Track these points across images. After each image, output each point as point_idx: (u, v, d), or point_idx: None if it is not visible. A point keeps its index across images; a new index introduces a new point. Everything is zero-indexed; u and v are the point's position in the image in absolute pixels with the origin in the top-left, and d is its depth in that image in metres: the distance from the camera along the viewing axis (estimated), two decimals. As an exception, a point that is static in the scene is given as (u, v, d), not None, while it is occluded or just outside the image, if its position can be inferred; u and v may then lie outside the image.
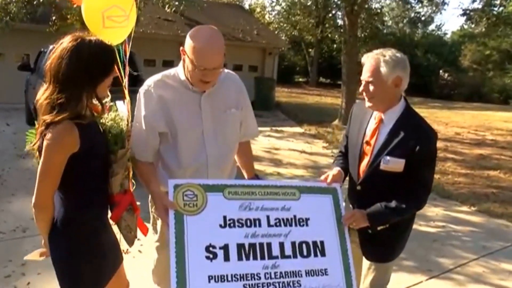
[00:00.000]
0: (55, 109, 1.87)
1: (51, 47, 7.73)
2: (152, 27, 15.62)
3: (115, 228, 2.27)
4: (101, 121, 2.15)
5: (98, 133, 2.08)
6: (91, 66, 1.90)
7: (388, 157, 2.25)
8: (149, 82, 2.27)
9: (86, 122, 1.92)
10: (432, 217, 5.69)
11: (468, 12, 17.05)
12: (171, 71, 2.31)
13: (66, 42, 1.93)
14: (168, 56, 15.64)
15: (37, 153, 1.97)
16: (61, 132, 1.85)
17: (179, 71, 2.27)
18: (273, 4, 34.59)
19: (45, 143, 1.86)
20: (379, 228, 2.31)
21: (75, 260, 2.03)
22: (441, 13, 51.81)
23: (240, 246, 2.06)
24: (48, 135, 1.85)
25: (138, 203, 2.32)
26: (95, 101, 2.11)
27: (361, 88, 2.33)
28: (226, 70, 2.40)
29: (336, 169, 2.46)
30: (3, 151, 7.71)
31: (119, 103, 2.34)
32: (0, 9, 9.34)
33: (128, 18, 2.34)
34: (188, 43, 2.11)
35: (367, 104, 2.35)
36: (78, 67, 1.88)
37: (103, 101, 2.12)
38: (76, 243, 2.03)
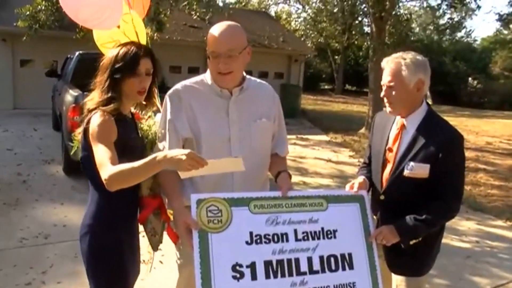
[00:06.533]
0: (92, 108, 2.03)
1: (77, 53, 7.90)
2: (178, 34, 15.74)
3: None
4: (140, 126, 2.30)
5: (135, 133, 2.20)
6: (114, 63, 2.03)
7: (411, 163, 2.18)
8: (177, 86, 2.26)
9: (120, 118, 2.02)
10: (464, 231, 5.44)
11: (504, 16, 16.60)
12: (199, 77, 2.29)
13: None
14: (194, 63, 15.74)
15: (80, 160, 2.07)
16: (98, 119, 1.93)
17: (207, 76, 2.25)
18: (299, 11, 34.62)
19: (90, 133, 1.94)
20: (412, 243, 2.20)
21: (99, 258, 2.07)
22: (471, 18, 50.81)
23: (267, 264, 1.99)
24: (91, 128, 1.94)
25: (170, 211, 2.28)
26: (137, 110, 2.31)
27: (382, 93, 2.26)
28: (258, 80, 2.37)
29: (361, 177, 2.39)
30: (29, 156, 7.79)
31: (158, 114, 2.42)
32: (29, 17, 9.51)
33: (118, 41, 2.56)
34: None
35: (388, 109, 2.28)
36: (104, 66, 2.06)
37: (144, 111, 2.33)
38: (101, 243, 2.05)
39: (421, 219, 2.14)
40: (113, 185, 1.83)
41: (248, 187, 2.18)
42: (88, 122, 1.97)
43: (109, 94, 2.00)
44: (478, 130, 15.19)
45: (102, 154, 1.88)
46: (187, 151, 1.74)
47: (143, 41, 2.65)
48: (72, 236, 4.43)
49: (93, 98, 2.05)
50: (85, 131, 1.98)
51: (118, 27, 2.61)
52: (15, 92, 14.01)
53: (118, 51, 2.04)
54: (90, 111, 2.01)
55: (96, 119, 1.94)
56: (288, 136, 2.56)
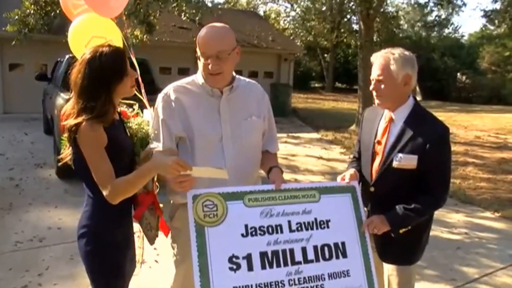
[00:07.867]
0: (78, 115, 1.98)
1: (67, 56, 7.86)
2: (167, 35, 15.72)
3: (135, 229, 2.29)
4: (128, 124, 2.30)
5: (124, 134, 2.20)
6: (103, 73, 1.99)
7: (400, 154, 2.25)
8: (169, 87, 2.30)
9: (108, 123, 2.00)
10: (454, 223, 5.53)
11: (489, 13, 16.77)
12: (190, 77, 2.34)
13: (84, 55, 2.04)
14: (184, 64, 15.71)
15: (72, 163, 2.08)
16: (86, 130, 1.93)
17: (198, 77, 2.29)
18: (288, 10, 34.70)
19: (81, 147, 1.95)
20: (401, 231, 2.27)
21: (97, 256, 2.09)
22: (458, 14, 51.10)
23: (263, 255, 2.06)
24: (79, 139, 1.94)
25: (161, 205, 2.34)
26: (124, 107, 2.32)
27: (371, 87, 2.34)
28: (247, 80, 2.42)
29: (351, 169, 2.45)
30: (21, 161, 7.78)
31: (145, 111, 2.49)
32: (19, 21, 9.47)
33: (111, 41, 2.61)
34: None
35: (377, 101, 2.35)
36: (92, 77, 1.98)
37: (131, 108, 2.33)
38: (99, 242, 2.08)
39: (410, 208, 2.22)
40: (116, 200, 1.96)
41: (240, 185, 2.22)
42: (76, 131, 1.95)
43: (105, 107, 1.98)
44: (467, 125, 15.30)
45: (98, 174, 1.95)
46: (173, 158, 1.87)
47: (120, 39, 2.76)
48: (67, 238, 4.45)
49: (81, 107, 1.98)
50: (74, 139, 1.98)
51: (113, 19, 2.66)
52: (5, 97, 13.93)
53: (101, 58, 1.99)
54: (75, 125, 1.96)
55: (85, 132, 1.93)
56: (279, 135, 2.61)
